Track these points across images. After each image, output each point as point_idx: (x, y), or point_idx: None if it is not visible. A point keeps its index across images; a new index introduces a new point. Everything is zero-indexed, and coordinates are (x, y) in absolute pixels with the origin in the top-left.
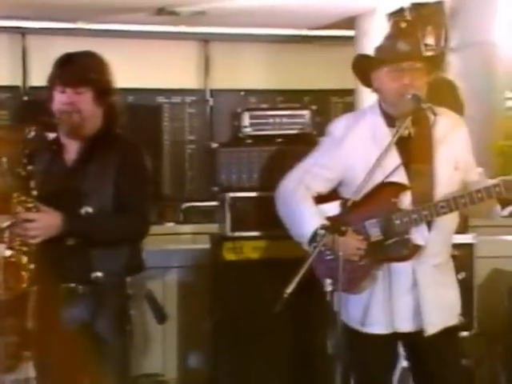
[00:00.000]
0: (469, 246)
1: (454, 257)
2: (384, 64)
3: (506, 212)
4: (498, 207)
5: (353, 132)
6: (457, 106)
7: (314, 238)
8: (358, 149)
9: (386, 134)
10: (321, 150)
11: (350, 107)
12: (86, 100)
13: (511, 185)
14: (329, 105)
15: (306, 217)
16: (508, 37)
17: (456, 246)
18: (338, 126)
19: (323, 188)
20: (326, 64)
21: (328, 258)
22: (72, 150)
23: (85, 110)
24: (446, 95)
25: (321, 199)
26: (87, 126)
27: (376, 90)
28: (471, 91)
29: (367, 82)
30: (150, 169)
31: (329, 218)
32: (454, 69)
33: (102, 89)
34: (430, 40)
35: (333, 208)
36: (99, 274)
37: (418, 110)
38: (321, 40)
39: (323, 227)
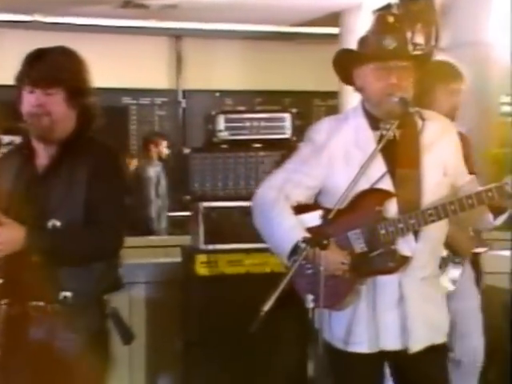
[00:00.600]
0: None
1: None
2: (368, 60)
3: (498, 221)
4: (490, 215)
5: (335, 137)
6: (453, 71)
7: (294, 251)
8: (340, 155)
9: (369, 138)
10: (300, 156)
11: (333, 110)
12: (57, 101)
13: (504, 190)
14: (311, 108)
15: (285, 228)
16: (503, 37)
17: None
18: (319, 130)
19: (303, 197)
20: (308, 64)
21: (309, 272)
22: (43, 155)
23: (56, 112)
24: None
25: (300, 209)
26: (58, 129)
27: (359, 89)
28: (464, 94)
29: (349, 80)
30: (126, 177)
31: (309, 230)
32: None
33: (76, 89)
34: (420, 39)
35: (313, 218)
36: (68, 293)
37: (405, 114)
38: (303, 37)
39: (304, 240)
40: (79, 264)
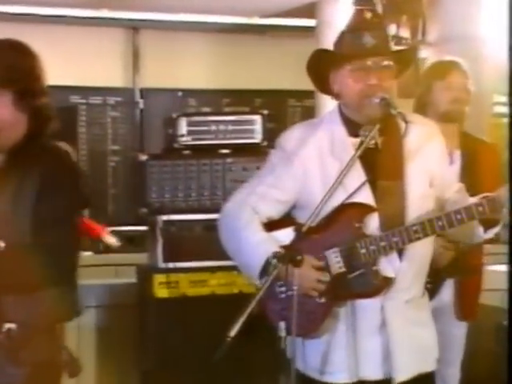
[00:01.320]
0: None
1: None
2: (345, 61)
3: (489, 235)
4: (480, 229)
5: (308, 145)
6: None
7: (265, 269)
8: (314, 165)
9: (347, 146)
10: (271, 166)
11: (309, 112)
12: (2, 104)
13: (496, 203)
14: (285, 109)
15: (254, 244)
16: (495, 31)
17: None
18: (291, 138)
19: (275, 212)
20: (282, 59)
21: (281, 295)
22: None
23: (1, 117)
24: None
25: (272, 225)
26: (5, 135)
27: (336, 96)
28: None
29: (325, 87)
30: (83, 189)
31: (283, 247)
32: None
33: (27, 90)
34: (405, 32)
35: (287, 235)
36: (13, 325)
37: (387, 117)
38: (275, 30)
39: (276, 256)
40: (25, 292)
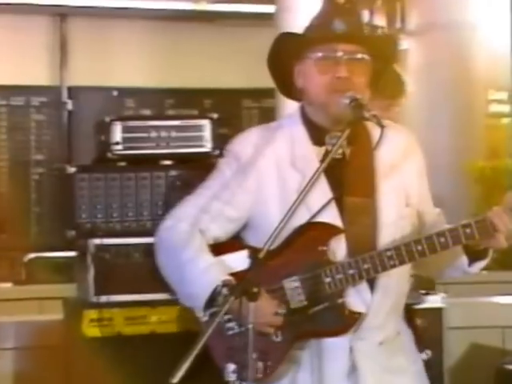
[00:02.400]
0: (436, 311)
1: (414, 328)
2: (311, 47)
3: (474, 269)
4: (464, 260)
5: (265, 154)
6: (394, 84)
7: (212, 299)
8: (271, 178)
9: (310, 155)
10: (222, 178)
11: (268, 114)
12: None
13: (486, 226)
14: (239, 111)
15: (200, 270)
16: (488, 16)
17: (417, 313)
18: (244, 145)
19: (223, 232)
20: (235, 52)
21: (229, 332)
22: None
23: None
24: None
25: (219, 248)
26: None
27: (299, 94)
28: (439, 90)
29: (286, 83)
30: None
31: (233, 275)
32: (414, 60)
33: None
34: (380, 19)
35: (238, 260)
36: None
37: (358, 121)
38: (227, 18)
39: (225, 284)
40: None
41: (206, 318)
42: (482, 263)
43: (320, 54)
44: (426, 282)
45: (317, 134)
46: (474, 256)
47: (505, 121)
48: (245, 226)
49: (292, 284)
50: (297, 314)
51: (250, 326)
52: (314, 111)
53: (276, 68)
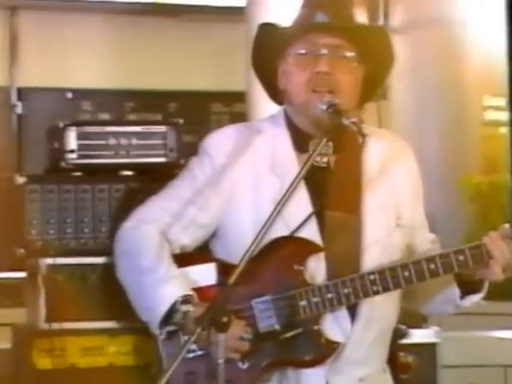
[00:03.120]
0: (429, 347)
1: (404, 367)
2: (291, 41)
3: (467, 302)
4: (456, 292)
5: (242, 155)
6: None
7: (170, 316)
8: (246, 183)
9: (292, 161)
10: (191, 179)
11: (239, 119)
12: None
13: (482, 253)
14: (207, 116)
15: (158, 281)
16: (481, 11)
17: (406, 349)
18: (219, 143)
19: (191, 239)
20: (203, 51)
21: (189, 354)
22: None
23: None
24: None
25: (183, 259)
26: None
27: (282, 96)
28: (427, 95)
29: (272, 84)
30: None
31: (197, 290)
32: (398, 61)
33: None
34: (361, 14)
35: (203, 273)
36: None
37: (335, 129)
38: (194, 12)
39: (186, 300)
40: None
41: (162, 337)
42: (477, 297)
43: (299, 49)
44: (417, 314)
45: (300, 140)
46: (468, 288)
47: (502, 130)
48: (213, 235)
49: (262, 305)
50: (266, 339)
51: (221, 361)
52: (294, 114)
53: (260, 68)
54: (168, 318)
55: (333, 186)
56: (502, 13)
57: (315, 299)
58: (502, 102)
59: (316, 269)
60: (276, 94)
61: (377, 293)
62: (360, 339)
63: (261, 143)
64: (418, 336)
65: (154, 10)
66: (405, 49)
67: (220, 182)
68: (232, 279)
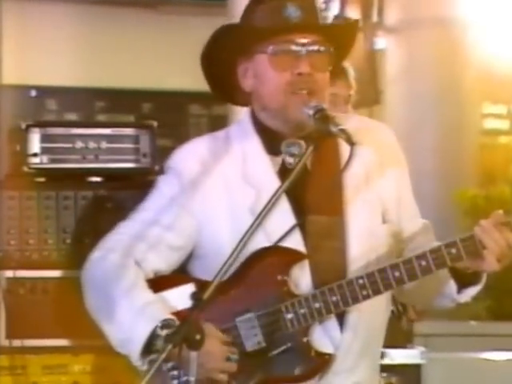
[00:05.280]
0: (413, 369)
1: None
2: (263, 40)
3: (465, 296)
4: (453, 286)
5: (211, 169)
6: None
7: (150, 344)
8: (220, 196)
9: (265, 167)
10: (159, 199)
11: (219, 122)
12: None
13: (475, 244)
14: (185, 118)
15: (134, 310)
16: (483, 11)
17: (391, 370)
18: (187, 159)
19: (165, 263)
20: (181, 47)
21: (175, 382)
22: None
23: None
24: None
25: (160, 283)
26: None
27: (247, 98)
28: (423, 100)
29: (227, 85)
30: None
31: (176, 314)
32: (393, 62)
33: None
34: (353, 11)
35: (182, 296)
36: None
37: (324, 136)
38: (172, 4)
39: (166, 325)
40: None
41: (145, 367)
42: (474, 290)
43: (276, 47)
44: (402, 333)
45: (272, 142)
46: (465, 280)
47: (503, 140)
48: (191, 256)
49: (247, 322)
50: (254, 357)
51: (192, 379)
52: (268, 117)
53: (213, 67)
54: (149, 346)
55: (313, 188)
56: (505, 13)
57: (302, 310)
58: (503, 109)
59: (301, 277)
60: (233, 95)
61: (367, 297)
62: (349, 347)
63: (229, 153)
64: (402, 356)
65: (126, 1)
66: (400, 50)
67: (191, 200)
68: (206, 295)
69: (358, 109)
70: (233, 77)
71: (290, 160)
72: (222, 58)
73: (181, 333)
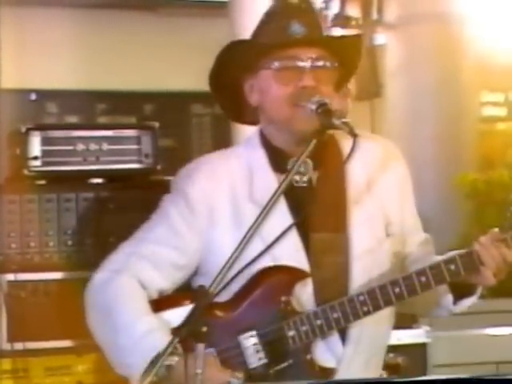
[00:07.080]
0: (419, 347)
1: (393, 368)
2: (268, 57)
3: (460, 307)
4: (449, 297)
5: (218, 188)
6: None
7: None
8: (226, 214)
9: (271, 184)
10: (165, 219)
11: (221, 122)
12: None
13: (473, 260)
14: (187, 119)
15: (139, 335)
16: (481, 6)
17: (397, 350)
18: (193, 179)
19: (169, 282)
20: (183, 48)
21: None
22: None
23: None
24: None
25: (163, 303)
26: None
27: (255, 114)
28: (423, 92)
29: (236, 103)
30: None
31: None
32: (393, 57)
33: None
34: (354, 9)
35: (183, 316)
36: None
37: (326, 129)
38: (173, 6)
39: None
40: None
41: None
42: (469, 301)
43: (280, 63)
44: (407, 314)
45: (278, 160)
46: (461, 291)
47: (500, 126)
48: (196, 273)
49: (250, 340)
50: (257, 374)
51: (199, 371)
52: (274, 132)
53: (221, 86)
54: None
55: (318, 205)
56: (501, 7)
57: (304, 328)
58: (501, 97)
59: (303, 294)
60: (242, 113)
61: (368, 313)
62: (352, 361)
63: (236, 172)
64: (408, 336)
65: (127, 3)
66: (400, 45)
67: (197, 220)
68: (211, 286)
69: (360, 101)
70: (241, 95)
71: (295, 178)
72: (229, 75)
73: (187, 326)
